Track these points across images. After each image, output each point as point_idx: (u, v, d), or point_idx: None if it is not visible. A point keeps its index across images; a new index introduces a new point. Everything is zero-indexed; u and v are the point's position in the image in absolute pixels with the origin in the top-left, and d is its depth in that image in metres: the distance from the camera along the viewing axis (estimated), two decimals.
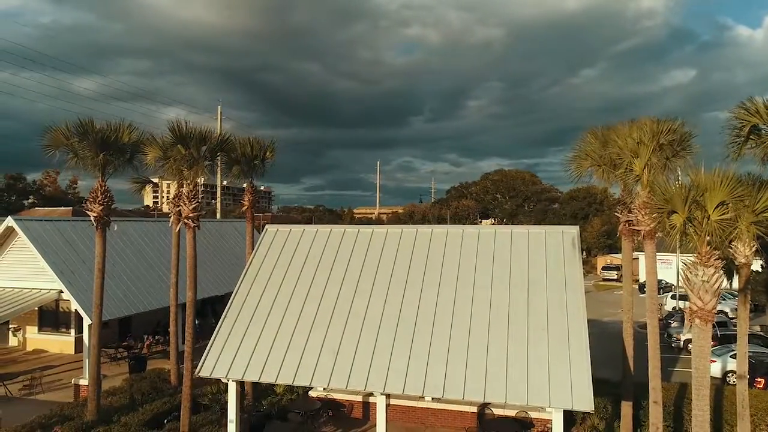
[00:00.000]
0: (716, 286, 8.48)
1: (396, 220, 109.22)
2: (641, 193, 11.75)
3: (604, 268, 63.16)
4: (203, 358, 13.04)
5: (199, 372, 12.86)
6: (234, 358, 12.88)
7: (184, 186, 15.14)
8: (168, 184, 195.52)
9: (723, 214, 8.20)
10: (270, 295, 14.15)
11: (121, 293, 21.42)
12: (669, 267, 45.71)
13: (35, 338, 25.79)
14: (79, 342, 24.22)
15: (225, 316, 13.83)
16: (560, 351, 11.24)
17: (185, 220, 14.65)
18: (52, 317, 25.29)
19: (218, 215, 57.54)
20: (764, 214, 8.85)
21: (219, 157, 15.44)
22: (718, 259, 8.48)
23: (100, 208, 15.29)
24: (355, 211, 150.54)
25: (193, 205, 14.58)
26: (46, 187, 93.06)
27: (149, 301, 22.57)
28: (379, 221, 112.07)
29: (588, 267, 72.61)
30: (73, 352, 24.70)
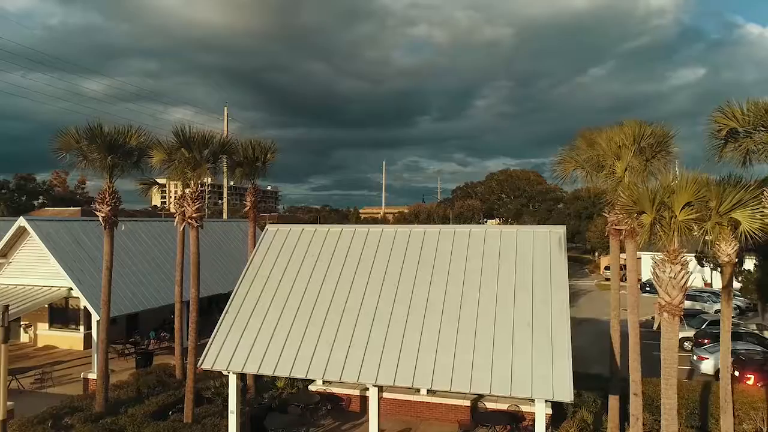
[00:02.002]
0: (683, 282, 8.99)
1: (402, 219, 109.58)
2: (622, 194, 12.25)
3: (607, 268, 63.33)
4: (205, 351, 13.69)
5: (201, 364, 13.52)
6: (234, 351, 13.53)
7: (189, 187, 15.81)
8: (175, 185, 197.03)
9: (689, 215, 8.71)
10: (269, 291, 14.79)
11: (128, 291, 22.16)
12: None
13: (45, 334, 26.61)
14: (87, 338, 25.02)
15: (226, 312, 14.48)
16: (543, 345, 11.78)
17: (189, 220, 15.32)
18: (61, 314, 26.10)
19: (225, 215, 58.33)
20: (728, 215, 9.35)
21: (221, 160, 16.08)
22: (684, 256, 9.00)
23: (108, 208, 15.98)
24: (361, 211, 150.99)
25: (197, 206, 15.24)
26: (55, 188, 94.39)
27: (155, 298, 23.31)
28: (384, 221, 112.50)
29: (592, 266, 72.79)
30: (82, 348, 25.51)
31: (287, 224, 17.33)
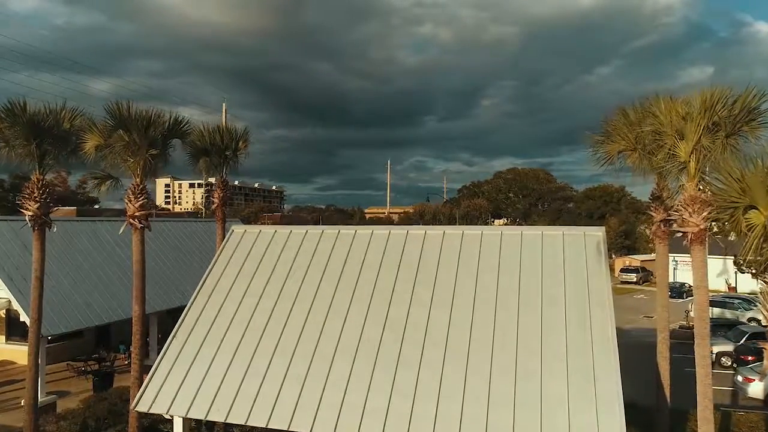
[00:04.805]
0: None
1: (406, 219, 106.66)
2: (688, 185, 9.13)
3: (623, 270, 60.01)
4: (143, 388, 10.71)
5: (135, 406, 10.52)
6: (179, 388, 10.52)
7: (134, 179, 12.83)
8: (180, 184, 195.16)
9: None
10: (229, 310, 11.77)
11: (82, 301, 19.22)
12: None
13: (2, 348, 23.72)
14: (49, 353, 22.10)
15: (174, 336, 11.47)
16: (583, 388, 8.70)
17: (130, 220, 12.33)
18: (19, 326, 23.13)
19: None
20: None
21: (171, 144, 13.03)
22: None
23: (36, 205, 13.02)
24: (366, 211, 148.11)
25: (140, 203, 12.26)
26: (56, 187, 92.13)
27: (117, 310, 20.30)
28: (389, 221, 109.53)
29: None
30: (44, 364, 22.60)
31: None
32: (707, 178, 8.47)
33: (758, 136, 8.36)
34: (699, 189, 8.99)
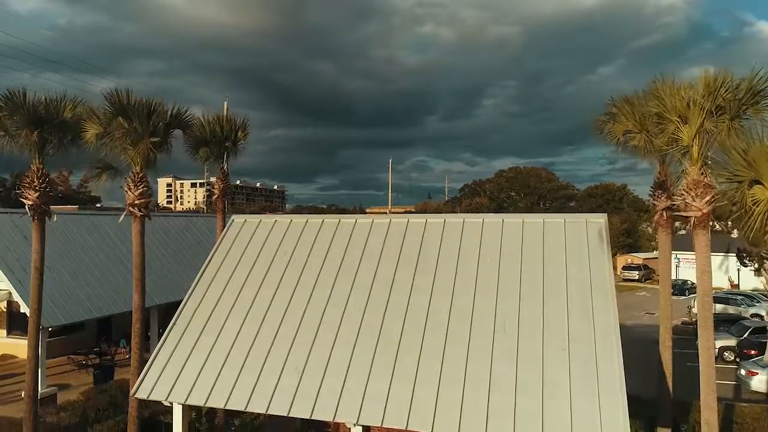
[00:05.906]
0: None
1: None
2: (691, 169, 9.05)
3: (625, 268, 60.02)
4: (142, 375, 10.68)
5: (135, 393, 10.49)
6: (179, 375, 10.48)
7: (135, 168, 12.79)
8: (181, 183, 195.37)
9: None
10: (229, 298, 11.72)
11: (83, 294, 19.21)
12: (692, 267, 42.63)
13: (3, 342, 23.74)
14: (51, 347, 22.11)
15: (173, 324, 11.43)
16: (585, 377, 8.63)
17: (130, 209, 12.28)
18: (20, 320, 23.13)
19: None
20: None
21: (172, 134, 12.97)
22: None
23: (36, 195, 12.97)
24: (367, 210, 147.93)
25: (140, 191, 12.21)
26: (58, 186, 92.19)
27: (118, 303, 20.29)
28: None
29: None
30: (45, 358, 22.60)
31: (258, 215, 14.27)
32: (710, 162, 8.41)
33: (764, 118, 8.28)
34: (702, 173, 8.92)
